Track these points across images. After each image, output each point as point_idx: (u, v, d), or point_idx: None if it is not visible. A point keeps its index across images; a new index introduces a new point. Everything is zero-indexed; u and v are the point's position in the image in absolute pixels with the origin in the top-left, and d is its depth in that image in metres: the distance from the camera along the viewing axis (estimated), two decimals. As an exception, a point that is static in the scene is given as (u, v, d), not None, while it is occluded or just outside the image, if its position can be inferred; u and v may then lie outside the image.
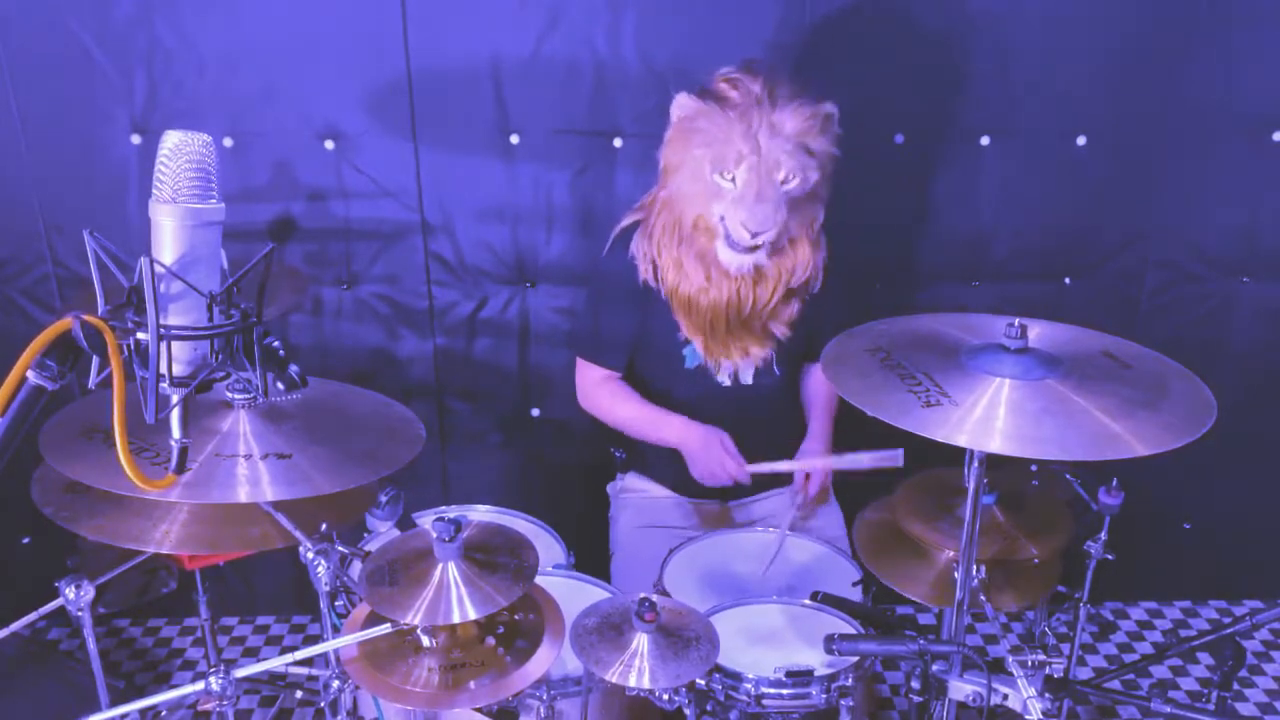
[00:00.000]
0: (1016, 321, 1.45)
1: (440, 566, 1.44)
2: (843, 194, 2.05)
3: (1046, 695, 1.49)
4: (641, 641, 1.48)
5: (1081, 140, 2.41)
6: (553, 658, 1.50)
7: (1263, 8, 2.30)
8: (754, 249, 1.93)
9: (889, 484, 1.86)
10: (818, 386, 2.28)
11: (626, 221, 2.14)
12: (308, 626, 2.81)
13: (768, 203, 1.87)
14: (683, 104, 1.94)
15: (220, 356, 1.19)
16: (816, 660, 1.65)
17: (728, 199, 1.90)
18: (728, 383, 2.14)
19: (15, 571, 2.60)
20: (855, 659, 1.64)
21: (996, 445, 1.31)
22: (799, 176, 1.89)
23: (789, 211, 1.91)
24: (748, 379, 2.14)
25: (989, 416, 1.35)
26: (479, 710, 1.53)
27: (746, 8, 2.26)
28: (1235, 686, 2.12)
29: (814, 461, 2.16)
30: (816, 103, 1.90)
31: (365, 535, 1.87)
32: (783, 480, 2.23)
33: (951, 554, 1.73)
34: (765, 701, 1.61)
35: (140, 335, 1.13)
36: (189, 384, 1.16)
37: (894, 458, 1.88)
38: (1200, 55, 2.33)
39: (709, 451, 2.08)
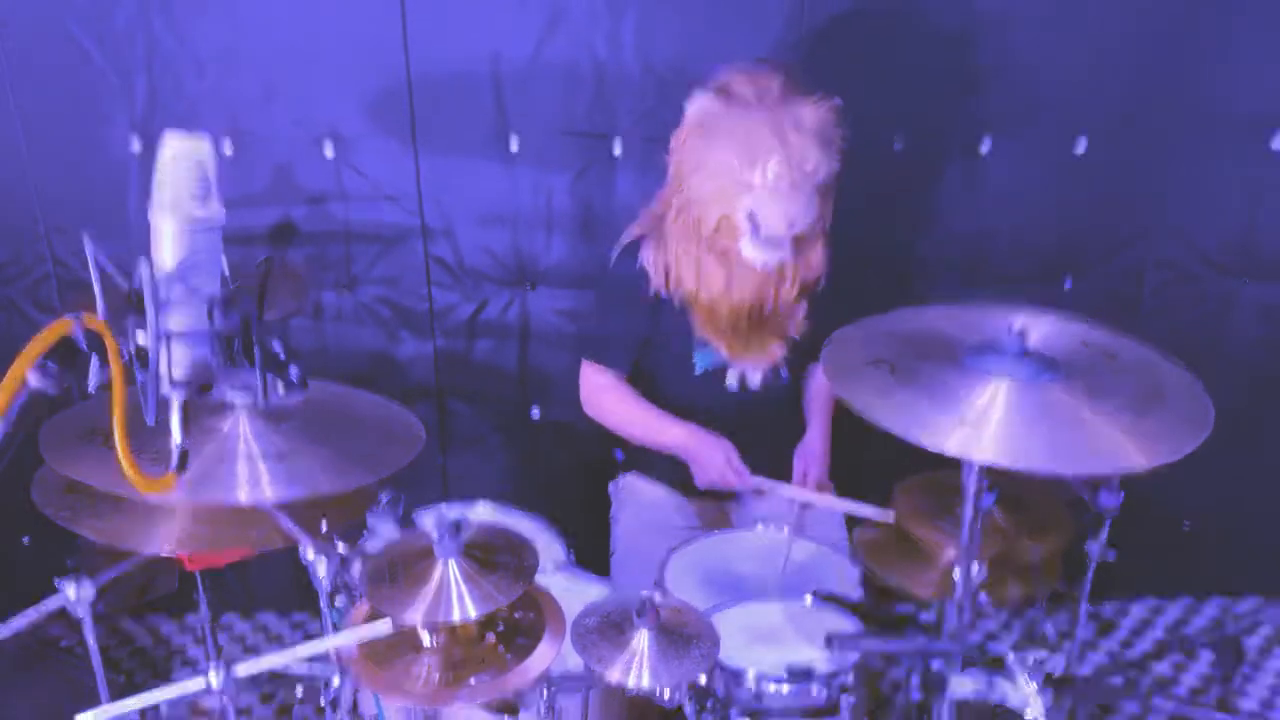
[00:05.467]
0: (1017, 323, 1.45)
1: (440, 565, 1.45)
2: (843, 193, 2.05)
3: (1047, 693, 1.49)
4: (642, 640, 1.49)
5: (1082, 141, 2.40)
6: (553, 655, 1.50)
7: (1263, 8, 2.30)
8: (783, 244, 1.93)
9: (889, 484, 1.86)
10: (819, 388, 2.28)
11: (635, 233, 2.11)
12: (308, 624, 2.81)
13: (802, 193, 1.87)
14: (701, 104, 1.91)
15: (220, 360, 1.19)
16: (817, 659, 1.65)
17: (759, 193, 1.88)
18: (736, 388, 2.14)
19: (15, 571, 2.60)
20: (856, 657, 1.64)
21: (1009, 459, 1.31)
22: (825, 167, 1.89)
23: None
24: (755, 384, 2.14)
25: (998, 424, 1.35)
26: (479, 707, 1.53)
27: (745, 11, 2.26)
28: (1235, 684, 2.13)
29: (811, 495, 2.13)
30: (827, 97, 1.91)
31: (365, 535, 1.87)
32: (781, 478, 2.23)
33: (952, 554, 1.73)
34: (766, 699, 1.62)
35: (140, 339, 1.13)
36: (189, 387, 1.17)
37: (885, 515, 1.87)
38: (1200, 56, 2.33)
39: (713, 459, 2.08)
